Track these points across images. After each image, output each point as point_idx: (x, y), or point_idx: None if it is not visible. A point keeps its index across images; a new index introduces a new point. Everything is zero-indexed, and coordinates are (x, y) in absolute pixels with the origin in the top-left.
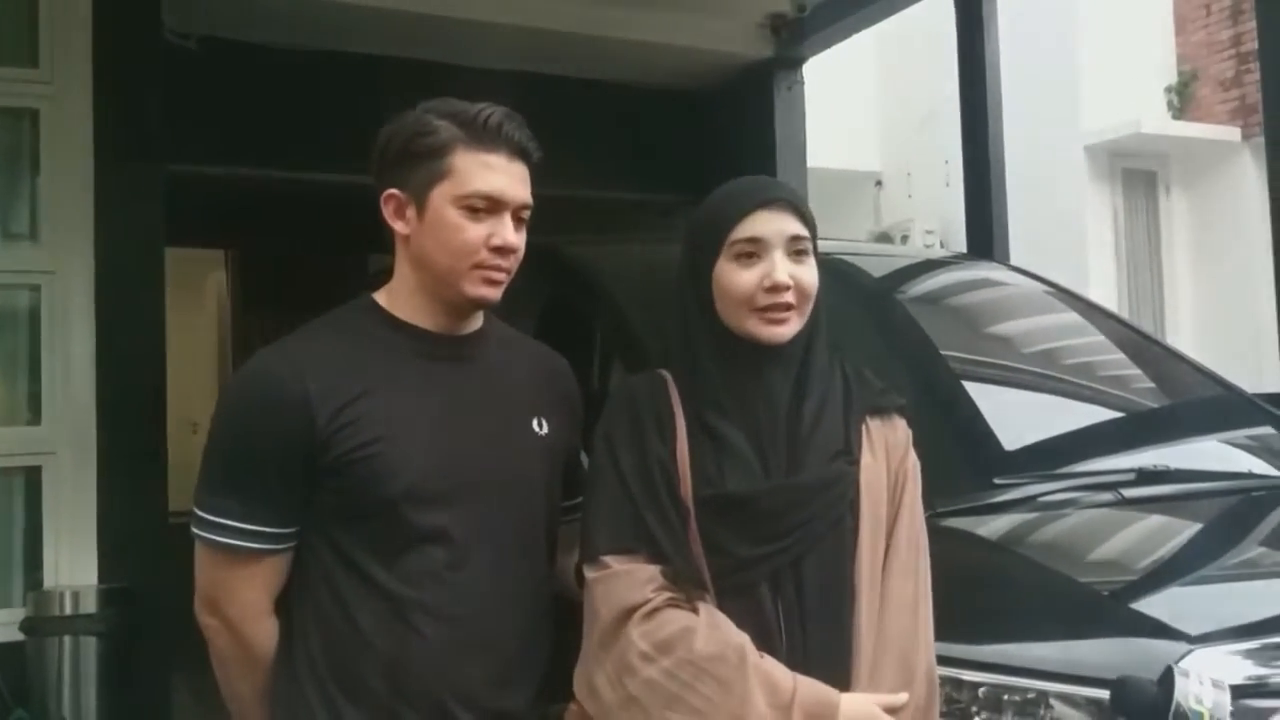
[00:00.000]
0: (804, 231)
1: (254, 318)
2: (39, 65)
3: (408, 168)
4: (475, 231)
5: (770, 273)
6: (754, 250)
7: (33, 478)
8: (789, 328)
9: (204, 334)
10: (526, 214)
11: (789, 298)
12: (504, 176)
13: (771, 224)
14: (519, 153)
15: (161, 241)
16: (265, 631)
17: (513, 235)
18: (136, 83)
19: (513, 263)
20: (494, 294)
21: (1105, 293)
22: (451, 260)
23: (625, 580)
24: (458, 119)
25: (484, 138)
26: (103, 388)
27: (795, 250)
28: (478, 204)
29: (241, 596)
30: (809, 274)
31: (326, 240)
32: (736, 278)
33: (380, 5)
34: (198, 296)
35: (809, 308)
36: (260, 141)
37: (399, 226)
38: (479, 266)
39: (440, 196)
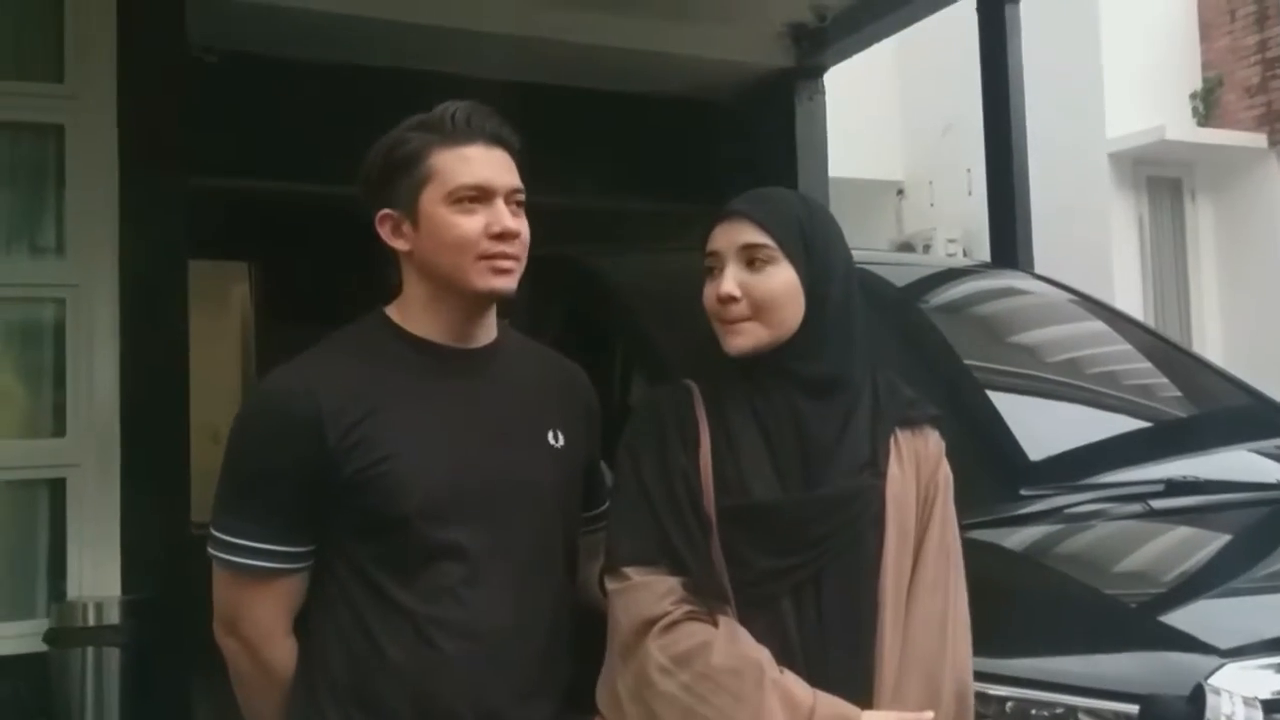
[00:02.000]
0: (760, 240)
1: (276, 329)
2: (65, 81)
3: (391, 184)
4: (471, 224)
5: (719, 284)
6: (714, 264)
7: (57, 489)
8: (744, 339)
9: (227, 345)
10: (521, 197)
11: (738, 310)
12: (485, 165)
13: (725, 236)
14: (495, 140)
15: (185, 255)
16: (284, 652)
17: (510, 220)
18: (161, 97)
19: (518, 248)
20: (506, 283)
21: (1131, 301)
22: (455, 258)
23: (645, 592)
24: (426, 124)
25: (456, 134)
26: (127, 400)
27: (749, 260)
28: (466, 196)
29: (259, 617)
30: (764, 283)
31: (349, 252)
32: (705, 292)
33: (402, 19)
34: (221, 308)
35: (773, 316)
36: (283, 154)
37: (399, 244)
38: (484, 257)
39: (429, 201)
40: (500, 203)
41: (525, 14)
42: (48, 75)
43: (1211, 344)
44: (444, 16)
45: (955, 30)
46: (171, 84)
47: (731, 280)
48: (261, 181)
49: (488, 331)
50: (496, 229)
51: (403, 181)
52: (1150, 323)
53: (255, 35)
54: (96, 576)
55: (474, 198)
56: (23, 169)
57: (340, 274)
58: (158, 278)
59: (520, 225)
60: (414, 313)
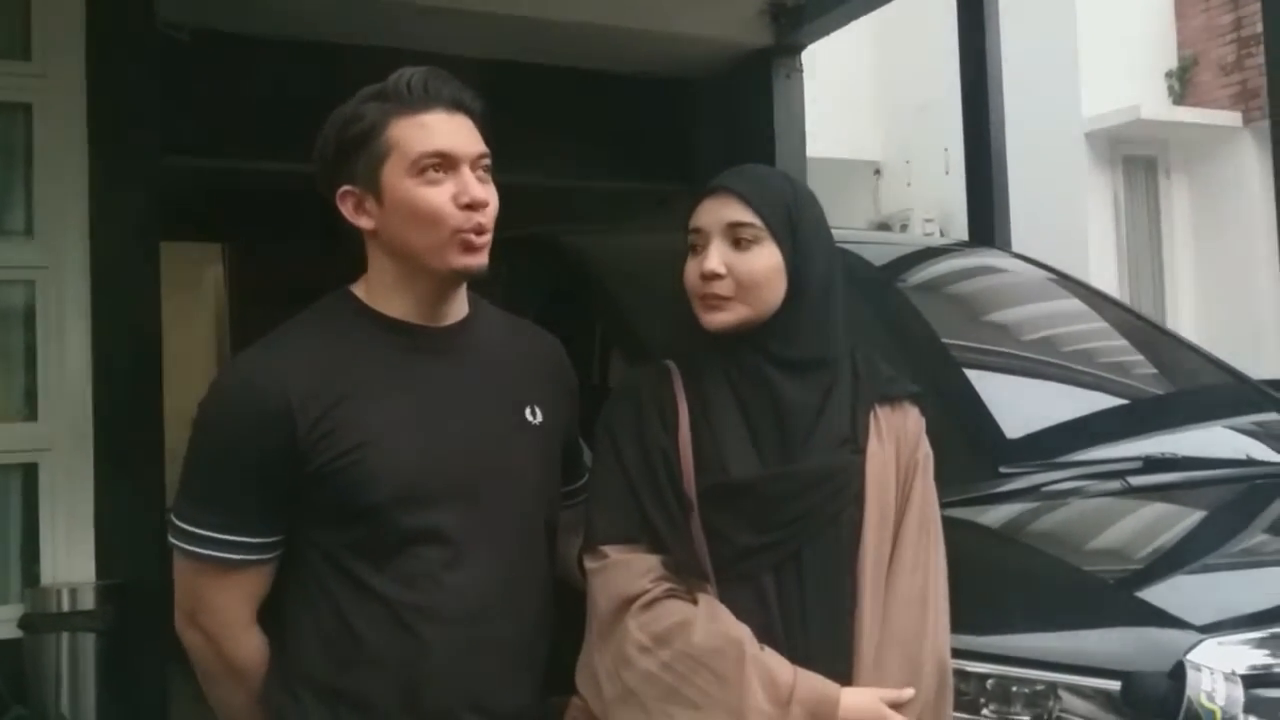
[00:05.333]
0: (747, 218)
1: (251, 311)
2: (32, 59)
3: (350, 160)
4: (439, 195)
5: (703, 261)
6: (698, 241)
7: (29, 474)
8: (725, 315)
9: (202, 328)
10: (487, 163)
11: (722, 288)
12: (447, 131)
13: (711, 213)
14: (455, 106)
15: (157, 236)
16: (249, 644)
17: (479, 189)
18: (130, 75)
19: (488, 217)
20: (476, 261)
21: (1106, 279)
22: (424, 233)
23: (624, 570)
24: (382, 94)
25: (413, 101)
26: (99, 383)
27: (735, 238)
28: (429, 164)
29: (221, 608)
30: (748, 262)
31: (324, 232)
32: (687, 269)
33: None
34: (195, 291)
35: (756, 296)
36: (256, 134)
37: (363, 222)
38: (458, 232)
39: (392, 175)
40: (466, 170)
41: None
42: (15, 53)
43: (1186, 322)
44: None
45: (932, 9)
46: (142, 62)
47: (716, 257)
48: (234, 161)
49: (459, 307)
50: (465, 199)
51: (361, 156)
52: (1125, 300)
53: (227, 12)
54: (71, 561)
55: (438, 165)
56: None
57: (316, 254)
58: (129, 259)
59: (489, 194)
60: (381, 292)
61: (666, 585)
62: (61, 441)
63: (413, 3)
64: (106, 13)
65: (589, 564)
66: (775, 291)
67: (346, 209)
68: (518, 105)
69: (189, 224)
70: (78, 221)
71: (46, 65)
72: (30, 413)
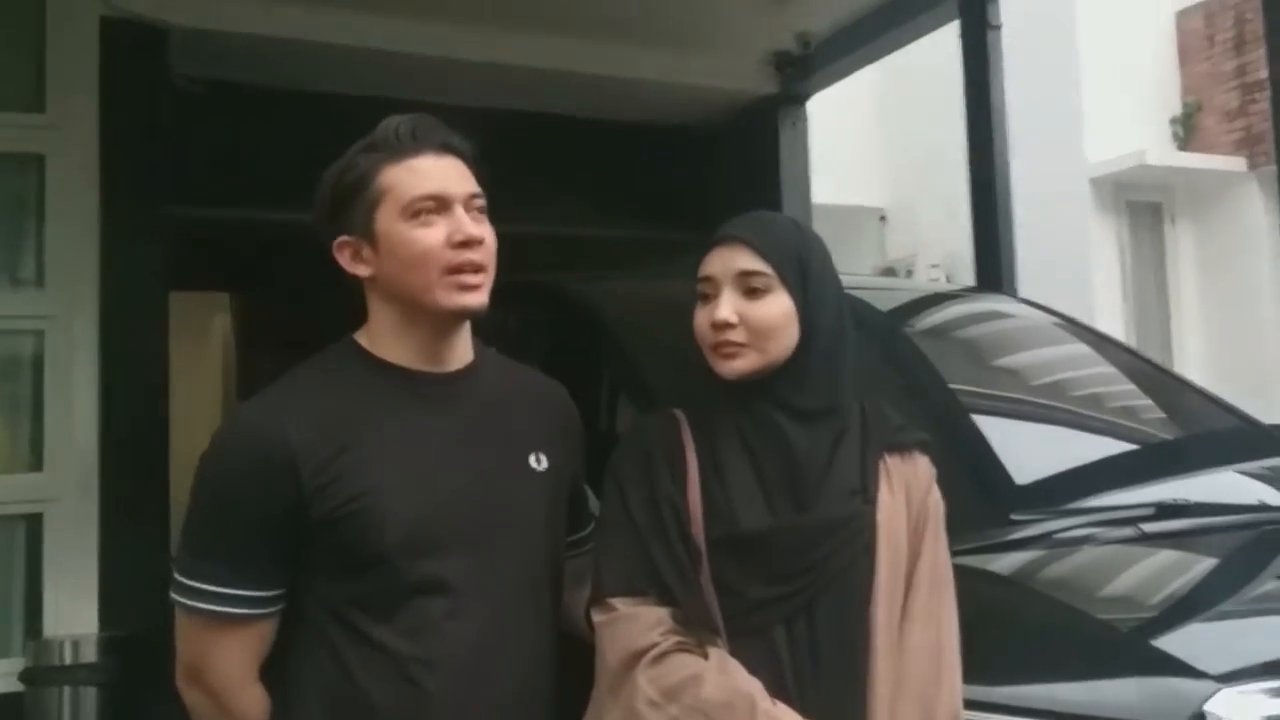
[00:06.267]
0: (758, 267)
1: (258, 359)
2: (46, 110)
3: (345, 210)
4: (432, 235)
5: (714, 310)
6: (708, 289)
7: (34, 525)
8: (739, 362)
9: (209, 377)
10: (481, 203)
11: (734, 335)
12: (437, 174)
13: (721, 261)
14: (444, 149)
15: (165, 286)
16: (251, 699)
17: (472, 226)
18: (142, 127)
19: (483, 255)
20: (476, 299)
21: (1112, 324)
22: (419, 274)
23: (633, 623)
24: (372, 144)
25: (401, 148)
26: (105, 433)
27: (747, 286)
28: (423, 209)
29: (228, 665)
30: (761, 310)
31: (329, 282)
32: (697, 317)
33: (384, 48)
34: (203, 340)
35: (769, 344)
36: (266, 183)
37: (361, 270)
38: (450, 271)
39: (385, 220)
40: (459, 210)
41: (506, 42)
42: (29, 105)
43: (1193, 366)
44: (425, 45)
45: (937, 56)
46: (154, 114)
47: (729, 306)
48: (243, 210)
49: (462, 353)
50: (459, 237)
51: (356, 205)
52: (1132, 345)
53: (239, 65)
54: (74, 613)
55: (431, 209)
56: (3, 200)
57: (321, 304)
58: (137, 309)
59: (484, 231)
60: (383, 339)
61: (676, 638)
62: (67, 492)
63: (423, 55)
64: (120, 66)
65: (597, 617)
66: (788, 339)
67: (344, 258)
68: (526, 154)
69: (196, 273)
70: (87, 271)
71: (60, 117)
72: (36, 463)
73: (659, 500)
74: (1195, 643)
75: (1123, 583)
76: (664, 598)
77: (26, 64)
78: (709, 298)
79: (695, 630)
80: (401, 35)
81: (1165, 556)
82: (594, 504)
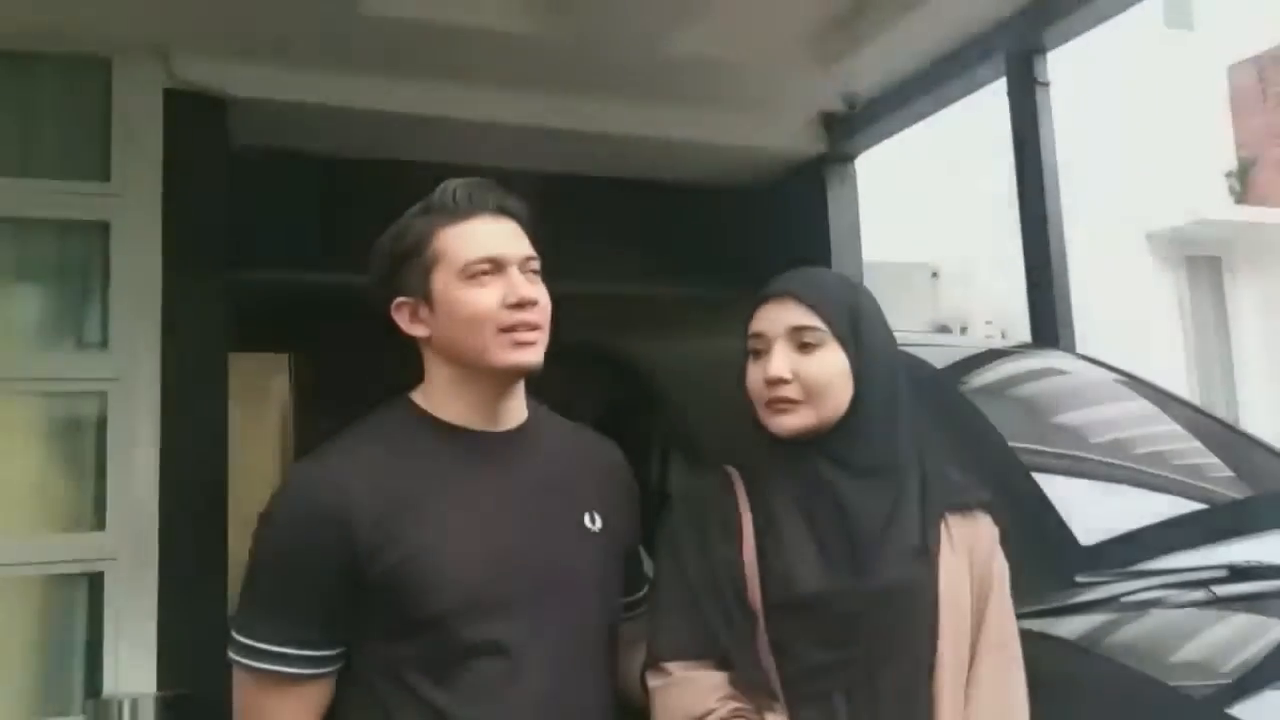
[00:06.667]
0: (811, 322)
1: (316, 420)
2: (111, 179)
3: (402, 272)
4: (487, 296)
5: (766, 366)
6: (759, 346)
7: (95, 584)
8: (794, 419)
9: (268, 437)
10: (535, 265)
11: (789, 391)
12: (492, 237)
13: (773, 317)
14: (500, 212)
15: (225, 348)
16: None
17: (527, 288)
18: (204, 194)
19: (538, 316)
20: (530, 357)
21: (1173, 380)
22: (474, 334)
23: (689, 689)
24: (428, 207)
25: (458, 211)
26: (165, 493)
27: (800, 342)
28: (478, 270)
29: None
30: (814, 365)
31: (388, 343)
32: (749, 374)
33: (441, 114)
34: (262, 400)
35: (823, 400)
36: (324, 246)
37: (418, 330)
38: (504, 330)
39: (442, 282)
40: (514, 271)
41: (560, 108)
42: (95, 174)
43: (1260, 421)
44: (478, 111)
45: (987, 112)
46: (215, 180)
47: (782, 361)
48: (302, 273)
49: (517, 412)
50: (513, 299)
51: (412, 267)
52: (1195, 401)
53: (298, 135)
54: (133, 673)
55: (487, 271)
56: (69, 265)
57: (380, 365)
58: (198, 371)
59: (539, 293)
60: (439, 397)
61: (733, 704)
62: (127, 551)
63: (475, 121)
64: (182, 135)
65: (652, 681)
66: (842, 395)
67: (402, 319)
68: (576, 216)
69: (256, 334)
70: (149, 334)
71: (124, 185)
72: (99, 522)
73: (714, 562)
74: (1273, 710)
75: (1196, 648)
76: (720, 662)
77: (93, 134)
78: (760, 354)
79: (753, 695)
80: (454, 102)
81: (1240, 620)
82: (647, 565)
